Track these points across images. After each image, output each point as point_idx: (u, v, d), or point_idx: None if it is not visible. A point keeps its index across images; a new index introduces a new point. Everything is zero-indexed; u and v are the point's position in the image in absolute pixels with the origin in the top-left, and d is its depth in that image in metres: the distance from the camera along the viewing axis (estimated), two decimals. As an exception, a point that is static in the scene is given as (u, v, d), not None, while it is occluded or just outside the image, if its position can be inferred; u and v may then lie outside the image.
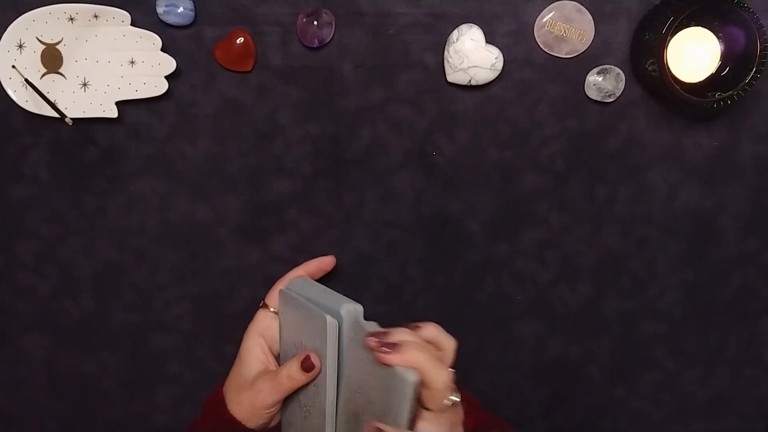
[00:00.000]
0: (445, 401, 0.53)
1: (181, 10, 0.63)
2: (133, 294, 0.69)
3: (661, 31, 0.60)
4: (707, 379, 0.73)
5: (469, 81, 0.64)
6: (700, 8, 0.61)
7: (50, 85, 0.63)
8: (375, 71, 0.65)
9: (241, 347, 0.63)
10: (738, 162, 0.68)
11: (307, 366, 0.57)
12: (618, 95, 0.66)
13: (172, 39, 0.64)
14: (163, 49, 0.63)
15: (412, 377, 0.51)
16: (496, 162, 0.68)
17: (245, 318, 0.68)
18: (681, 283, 0.71)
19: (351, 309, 0.57)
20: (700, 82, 0.63)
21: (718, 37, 0.63)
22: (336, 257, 0.68)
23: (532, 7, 0.64)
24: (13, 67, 0.62)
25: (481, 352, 0.71)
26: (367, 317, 0.59)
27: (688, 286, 0.71)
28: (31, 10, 0.61)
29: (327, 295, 0.61)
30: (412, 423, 0.53)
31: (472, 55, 0.63)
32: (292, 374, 0.57)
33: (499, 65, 0.64)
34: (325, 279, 0.68)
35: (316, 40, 0.64)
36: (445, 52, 0.64)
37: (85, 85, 0.64)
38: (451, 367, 0.56)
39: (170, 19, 0.63)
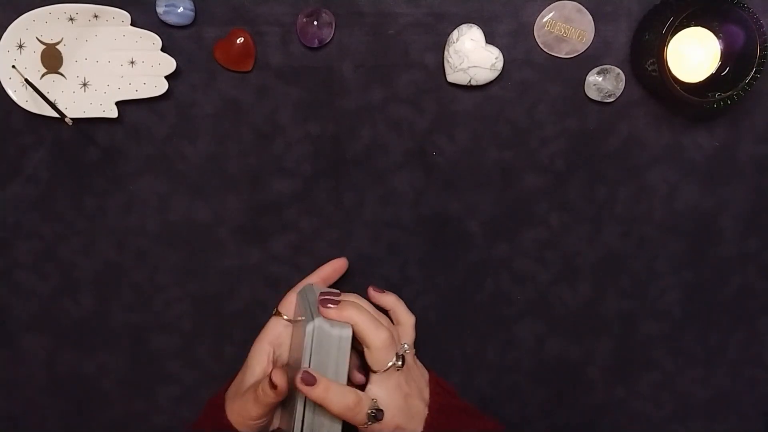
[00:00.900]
0: (389, 363, 0.57)
1: (181, 10, 0.63)
2: (133, 294, 0.69)
3: (661, 31, 0.60)
4: (707, 379, 0.73)
5: (469, 81, 0.64)
6: (700, 8, 0.61)
7: (50, 85, 0.63)
8: (375, 71, 0.65)
9: (249, 353, 0.63)
10: (738, 162, 0.68)
11: (271, 384, 0.55)
12: (618, 95, 0.66)
13: (172, 39, 0.64)
14: (163, 49, 0.63)
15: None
16: (496, 162, 0.68)
17: (245, 318, 0.68)
18: (681, 283, 0.71)
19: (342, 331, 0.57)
20: (700, 82, 0.63)
21: (718, 37, 0.63)
22: (336, 257, 0.68)
23: (532, 7, 0.64)
24: (13, 67, 0.62)
25: (481, 352, 0.71)
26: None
27: (688, 286, 0.71)
28: (31, 10, 0.61)
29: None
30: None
31: (472, 55, 0.63)
32: (264, 389, 0.56)
33: (499, 65, 0.64)
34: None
35: (316, 40, 0.64)
36: (445, 52, 0.64)
37: (85, 85, 0.64)
38: (412, 344, 0.62)
39: (170, 19, 0.63)
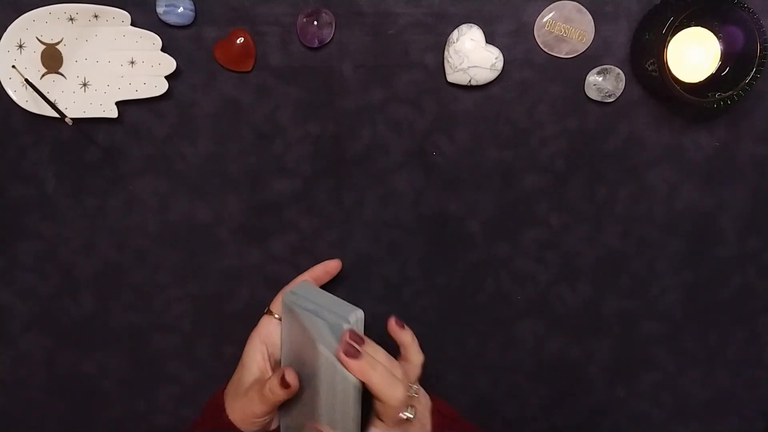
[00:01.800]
0: (400, 415, 0.56)
1: (181, 10, 0.63)
2: (133, 294, 0.69)
3: (661, 31, 0.60)
4: (707, 379, 0.73)
5: (469, 81, 0.64)
6: (700, 8, 0.61)
7: (50, 85, 0.63)
8: (375, 71, 0.65)
9: (243, 352, 0.63)
10: (738, 162, 0.68)
11: (284, 383, 0.56)
12: (618, 95, 0.66)
13: (172, 39, 0.64)
14: (163, 49, 0.63)
15: (353, 380, 0.54)
16: (496, 162, 0.68)
17: (245, 318, 0.68)
18: (681, 283, 0.71)
19: (358, 316, 0.58)
20: (700, 82, 0.63)
21: (718, 37, 0.63)
22: (336, 257, 0.68)
23: (532, 7, 0.64)
24: (13, 67, 0.62)
25: (481, 352, 0.71)
26: (367, 317, 0.60)
27: (688, 286, 0.71)
28: (31, 10, 0.61)
29: (328, 301, 0.61)
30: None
31: (472, 55, 0.63)
32: (273, 389, 0.57)
33: (499, 65, 0.64)
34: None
35: (316, 40, 0.64)
36: (445, 52, 0.64)
37: (85, 85, 0.64)
38: (417, 382, 0.60)
39: (170, 19, 0.63)
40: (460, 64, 0.64)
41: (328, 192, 0.68)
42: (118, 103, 0.64)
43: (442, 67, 0.65)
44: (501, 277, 0.70)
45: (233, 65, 0.65)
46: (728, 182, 0.69)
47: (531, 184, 0.68)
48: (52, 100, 0.63)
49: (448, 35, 0.64)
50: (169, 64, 0.63)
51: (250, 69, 0.65)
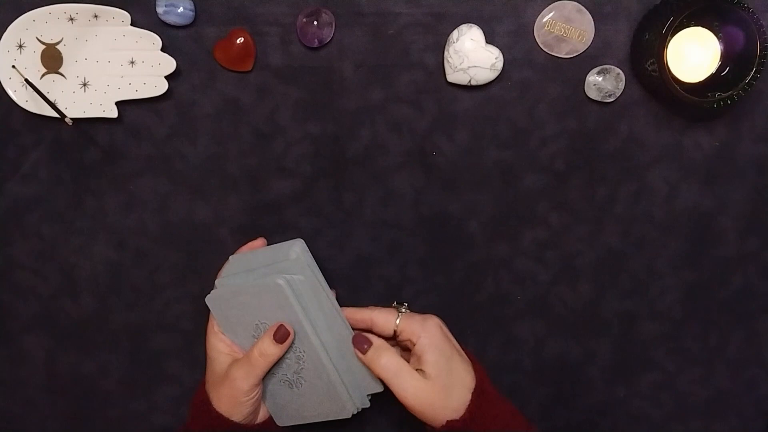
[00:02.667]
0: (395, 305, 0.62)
1: (181, 10, 0.63)
2: (133, 294, 0.69)
3: (661, 31, 0.60)
4: (707, 379, 0.73)
5: (469, 81, 0.64)
6: (700, 8, 0.61)
7: (50, 85, 0.63)
8: (375, 71, 0.65)
9: (206, 347, 0.62)
10: (738, 162, 0.68)
11: (280, 336, 0.57)
12: (618, 95, 0.66)
13: (172, 39, 0.64)
14: (163, 49, 0.63)
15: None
16: (496, 162, 0.68)
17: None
18: (681, 283, 0.71)
19: (298, 250, 0.58)
20: (700, 82, 0.63)
21: (718, 37, 0.63)
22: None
23: (532, 7, 0.64)
24: (13, 67, 0.62)
25: (481, 352, 0.71)
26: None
27: (688, 286, 0.71)
28: (31, 10, 0.61)
29: (262, 257, 0.60)
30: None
31: (472, 55, 0.63)
32: (265, 350, 0.58)
33: (499, 65, 0.64)
34: (326, 279, 0.68)
35: (316, 40, 0.64)
36: (445, 52, 0.64)
37: (85, 85, 0.64)
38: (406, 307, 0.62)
39: (170, 19, 0.63)
40: (460, 64, 0.64)
41: (328, 192, 0.68)
42: (118, 103, 0.64)
43: (442, 67, 0.65)
44: (501, 277, 0.70)
45: (233, 65, 0.65)
46: (728, 182, 0.69)
47: (531, 184, 0.68)
48: (52, 100, 0.63)
49: (448, 35, 0.64)
50: (169, 64, 0.63)
51: (250, 69, 0.65)
